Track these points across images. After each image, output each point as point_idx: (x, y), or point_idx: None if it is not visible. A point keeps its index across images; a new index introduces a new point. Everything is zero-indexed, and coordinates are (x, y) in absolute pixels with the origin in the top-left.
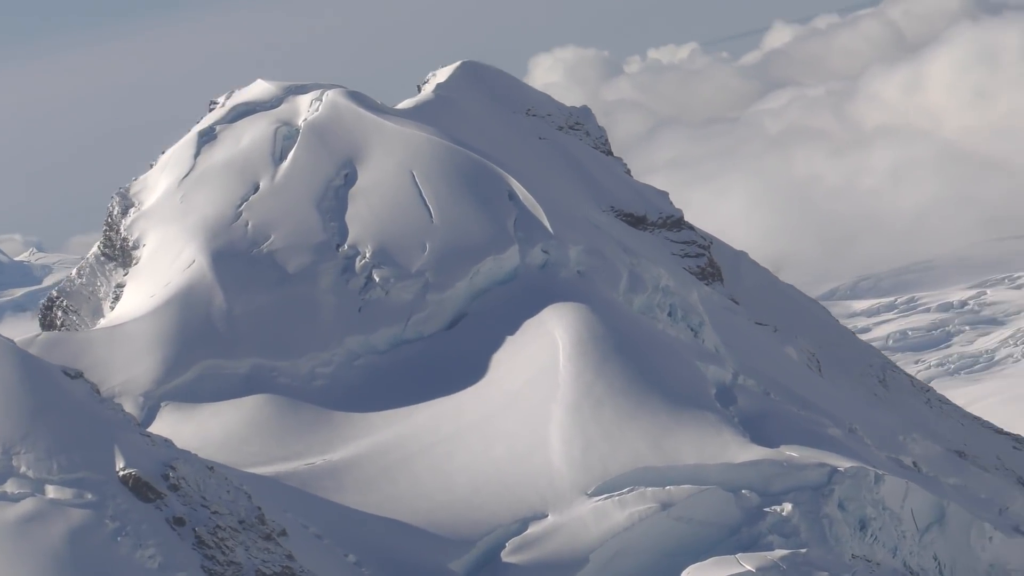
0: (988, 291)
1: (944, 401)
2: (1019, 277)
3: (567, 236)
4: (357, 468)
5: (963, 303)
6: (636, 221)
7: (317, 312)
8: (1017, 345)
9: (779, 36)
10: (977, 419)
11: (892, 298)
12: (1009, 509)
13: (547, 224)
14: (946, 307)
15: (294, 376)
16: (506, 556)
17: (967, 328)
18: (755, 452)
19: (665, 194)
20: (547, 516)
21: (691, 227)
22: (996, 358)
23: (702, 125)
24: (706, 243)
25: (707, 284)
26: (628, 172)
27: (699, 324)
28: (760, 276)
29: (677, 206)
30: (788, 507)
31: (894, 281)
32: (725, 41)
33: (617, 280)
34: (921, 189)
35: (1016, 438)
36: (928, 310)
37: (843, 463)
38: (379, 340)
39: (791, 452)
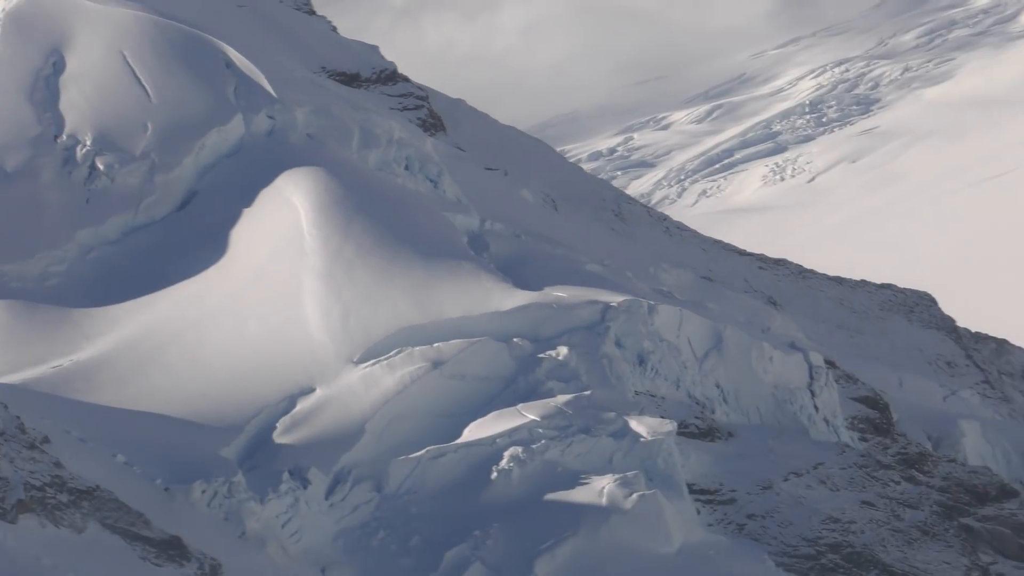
0: (635, 135)
1: (682, 228)
2: (663, 117)
3: (291, 99)
4: (107, 365)
5: (612, 150)
6: (350, 79)
7: (42, 209)
8: (671, 185)
9: None
10: (718, 242)
11: None
12: (771, 329)
13: (270, 88)
14: (595, 156)
15: (26, 278)
16: (278, 437)
17: (619, 174)
18: (521, 297)
19: (375, 48)
20: (314, 390)
21: (406, 79)
22: (653, 201)
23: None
24: (423, 94)
25: (431, 135)
26: (335, 30)
27: (437, 174)
28: (479, 121)
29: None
30: (564, 350)
31: (539, 136)
32: None
33: (349, 138)
34: (555, 44)
35: (760, 258)
36: (578, 160)
37: (614, 298)
38: (110, 230)
39: (558, 293)
